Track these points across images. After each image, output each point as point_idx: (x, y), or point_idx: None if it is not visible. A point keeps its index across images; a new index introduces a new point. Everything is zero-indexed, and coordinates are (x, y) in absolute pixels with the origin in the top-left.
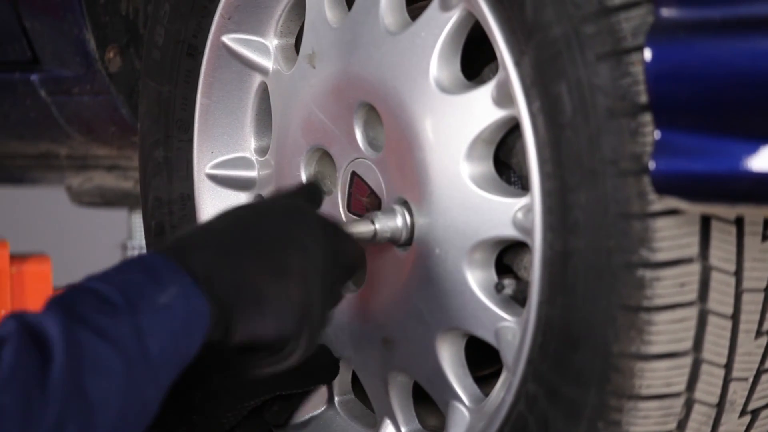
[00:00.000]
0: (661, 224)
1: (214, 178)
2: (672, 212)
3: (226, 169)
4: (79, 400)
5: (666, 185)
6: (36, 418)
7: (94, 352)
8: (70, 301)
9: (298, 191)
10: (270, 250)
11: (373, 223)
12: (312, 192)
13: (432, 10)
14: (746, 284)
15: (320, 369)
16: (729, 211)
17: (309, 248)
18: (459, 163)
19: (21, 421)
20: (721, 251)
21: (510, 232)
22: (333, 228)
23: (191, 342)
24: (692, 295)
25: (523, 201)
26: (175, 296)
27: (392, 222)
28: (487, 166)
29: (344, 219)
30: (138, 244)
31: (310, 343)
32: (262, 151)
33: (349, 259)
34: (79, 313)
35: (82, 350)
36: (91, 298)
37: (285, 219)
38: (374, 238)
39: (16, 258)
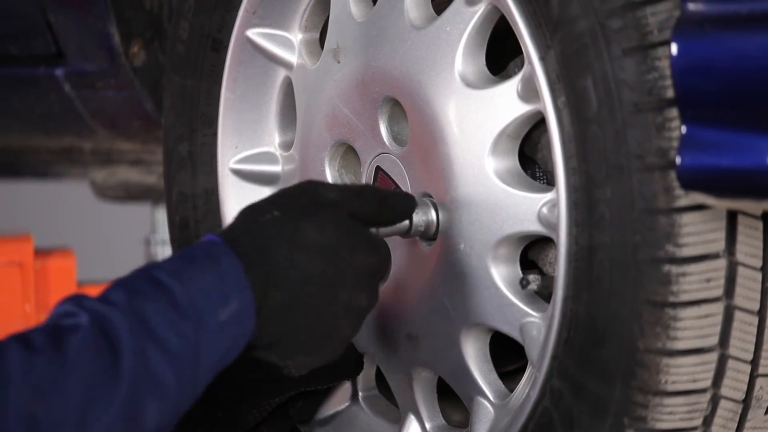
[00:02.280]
0: (687, 219)
1: (239, 173)
2: (698, 207)
3: (250, 163)
4: (134, 420)
5: (692, 180)
6: (90, 424)
7: (158, 374)
8: (143, 303)
9: (392, 204)
10: (332, 322)
11: (410, 217)
12: (405, 211)
13: (457, 5)
14: None
15: (345, 365)
16: (756, 207)
17: (367, 305)
18: (484, 158)
19: (75, 426)
20: (748, 247)
21: (535, 227)
22: (388, 267)
23: (231, 356)
24: (718, 291)
25: (548, 196)
26: (233, 313)
27: (426, 216)
28: (512, 161)
29: None
30: (161, 238)
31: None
32: (286, 146)
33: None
34: (150, 322)
35: (148, 372)
36: (163, 302)
37: (368, 286)
38: (409, 232)
39: (40, 252)
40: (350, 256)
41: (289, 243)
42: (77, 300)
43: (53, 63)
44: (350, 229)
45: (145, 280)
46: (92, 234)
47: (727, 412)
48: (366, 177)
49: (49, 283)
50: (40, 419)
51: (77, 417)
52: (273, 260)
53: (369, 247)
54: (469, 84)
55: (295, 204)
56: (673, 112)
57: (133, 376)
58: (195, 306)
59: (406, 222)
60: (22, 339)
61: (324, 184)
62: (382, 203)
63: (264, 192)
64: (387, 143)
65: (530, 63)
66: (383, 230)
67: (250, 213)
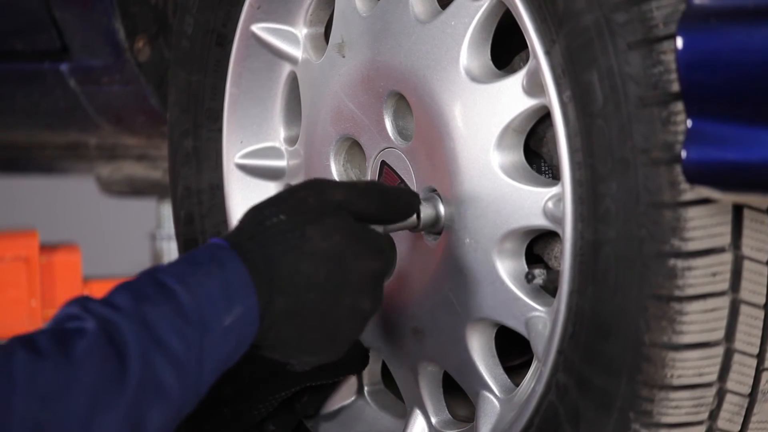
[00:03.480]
0: (692, 213)
1: (244, 168)
2: (704, 201)
3: (255, 158)
4: (137, 427)
5: (698, 174)
6: (95, 430)
7: (164, 380)
8: (149, 308)
9: (396, 203)
10: (336, 325)
11: (417, 212)
12: (409, 209)
13: None
14: None
15: (350, 359)
16: (762, 201)
17: (371, 309)
18: (489, 153)
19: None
20: (754, 240)
21: (540, 221)
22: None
23: (234, 358)
24: (724, 285)
25: (553, 190)
26: (237, 318)
27: (435, 210)
28: (518, 156)
29: None
30: (167, 233)
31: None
32: (291, 141)
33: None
34: (156, 328)
35: (154, 379)
36: (170, 310)
37: (371, 290)
38: (418, 227)
39: (46, 247)
40: (355, 262)
41: (294, 249)
42: (83, 303)
43: (58, 58)
44: (356, 234)
45: (151, 284)
46: (98, 229)
47: (733, 406)
48: (371, 172)
49: (54, 279)
50: (45, 426)
51: (82, 423)
52: (278, 267)
53: (374, 251)
54: (474, 78)
55: (301, 207)
56: (679, 106)
57: (138, 382)
58: (201, 312)
59: (414, 217)
60: (28, 343)
61: (330, 184)
62: (387, 202)
63: (269, 187)
64: (392, 138)
65: (535, 57)
66: (391, 226)
67: (255, 216)
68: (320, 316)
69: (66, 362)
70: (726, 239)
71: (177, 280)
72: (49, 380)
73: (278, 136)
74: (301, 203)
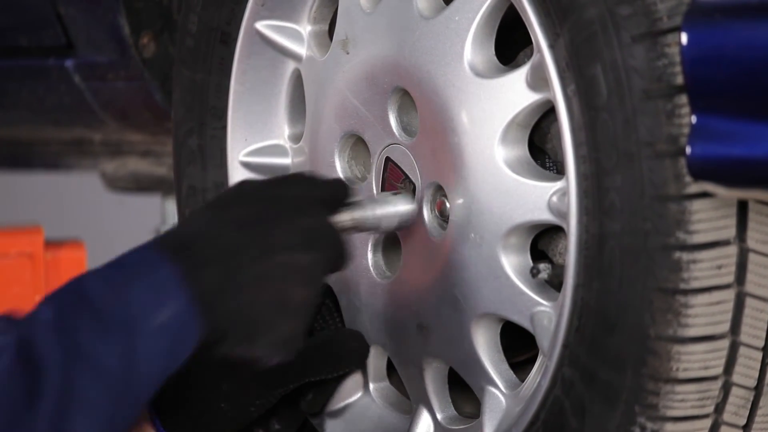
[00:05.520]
0: (697, 206)
1: (248, 166)
2: (709, 194)
3: (260, 156)
4: None
5: (702, 170)
6: None
7: (85, 390)
8: (71, 319)
9: (325, 187)
10: (277, 286)
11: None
12: (337, 194)
13: None
14: None
15: (349, 353)
16: (766, 197)
17: (314, 282)
18: (493, 148)
19: None
20: (759, 233)
21: (545, 216)
22: (342, 248)
23: (177, 360)
24: (729, 278)
25: (558, 185)
26: (172, 315)
27: (395, 208)
28: (522, 151)
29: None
30: None
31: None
32: (295, 138)
33: (340, 269)
34: (78, 339)
35: (73, 389)
36: (89, 316)
37: (302, 243)
38: (379, 227)
39: (51, 244)
40: (279, 219)
41: (209, 222)
42: (10, 322)
43: (63, 54)
44: (273, 197)
45: (75, 293)
46: (103, 225)
47: (738, 399)
48: (376, 168)
49: (59, 275)
50: None
51: None
52: (197, 242)
53: (296, 209)
54: (478, 74)
55: (221, 194)
56: (683, 98)
57: (57, 397)
58: (125, 315)
59: (364, 213)
60: None
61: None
62: (312, 183)
63: None
64: (396, 134)
65: (539, 51)
66: (341, 222)
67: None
68: (256, 282)
69: None
70: (731, 232)
71: (101, 284)
72: None
73: (282, 133)
74: (222, 193)
